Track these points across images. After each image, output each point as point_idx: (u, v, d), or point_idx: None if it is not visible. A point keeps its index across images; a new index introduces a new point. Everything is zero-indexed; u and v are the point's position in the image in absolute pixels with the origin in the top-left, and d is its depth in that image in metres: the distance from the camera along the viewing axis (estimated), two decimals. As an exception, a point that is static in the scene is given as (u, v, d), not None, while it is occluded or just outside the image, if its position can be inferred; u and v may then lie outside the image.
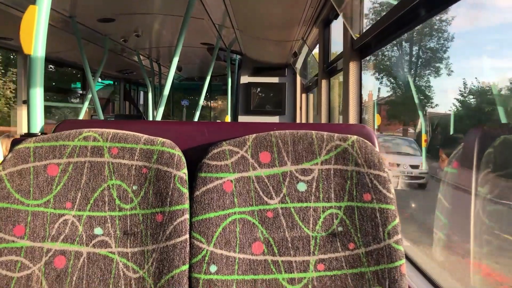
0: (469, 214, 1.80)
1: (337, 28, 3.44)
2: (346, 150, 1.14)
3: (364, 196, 1.12)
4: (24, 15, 1.37)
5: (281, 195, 1.14)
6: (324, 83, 3.61)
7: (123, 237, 1.13)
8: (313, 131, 1.17)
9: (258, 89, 6.24)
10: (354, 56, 2.38)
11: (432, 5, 1.49)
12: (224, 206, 1.13)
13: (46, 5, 1.41)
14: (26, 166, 1.13)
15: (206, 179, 1.14)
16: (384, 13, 1.87)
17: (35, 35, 1.37)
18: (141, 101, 10.91)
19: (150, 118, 7.54)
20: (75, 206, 1.14)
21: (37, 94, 1.41)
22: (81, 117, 4.94)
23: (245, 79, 6.18)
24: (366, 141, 1.16)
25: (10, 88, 11.34)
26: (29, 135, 1.33)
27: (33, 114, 1.40)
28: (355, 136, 1.16)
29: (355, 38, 2.32)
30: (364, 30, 2.32)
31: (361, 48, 2.31)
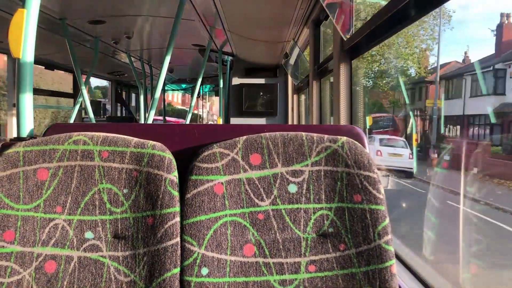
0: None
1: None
2: (336, 152, 1.15)
3: (354, 197, 1.13)
4: (13, 19, 1.36)
5: (272, 196, 1.15)
6: (315, 84, 3.62)
7: (114, 241, 1.13)
8: (303, 133, 1.18)
9: (250, 90, 6.25)
10: (344, 57, 2.39)
11: (421, 5, 1.50)
12: (215, 208, 1.13)
13: (35, 8, 1.40)
14: (15, 171, 1.12)
15: (197, 181, 1.14)
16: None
17: (24, 38, 1.36)
18: (133, 103, 10.86)
19: (142, 120, 7.52)
20: (66, 210, 1.13)
21: (27, 98, 1.40)
22: (72, 119, 4.91)
23: (236, 80, 6.19)
24: (355, 142, 1.16)
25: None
26: (18, 139, 1.32)
27: (22, 118, 1.39)
28: (345, 137, 1.17)
29: (345, 39, 2.33)
30: (354, 31, 2.33)
31: (351, 49, 2.32)
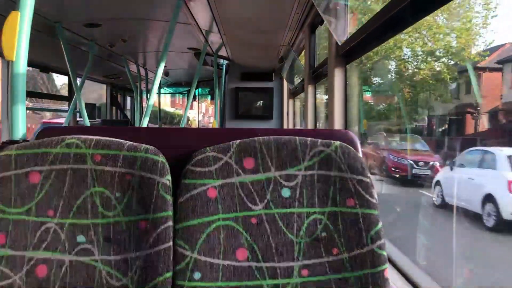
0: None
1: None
2: (329, 156, 1.15)
3: (347, 201, 1.13)
4: (6, 21, 1.36)
5: (265, 201, 1.15)
6: (310, 88, 3.63)
7: (106, 245, 1.12)
8: (297, 137, 1.18)
9: (245, 94, 6.26)
10: (339, 62, 2.40)
11: (416, 10, 1.51)
12: (208, 212, 1.12)
13: (28, 11, 1.40)
14: (7, 174, 1.12)
15: (190, 185, 1.13)
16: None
17: (17, 41, 1.36)
18: (128, 106, 10.84)
19: (137, 124, 7.51)
20: (58, 214, 1.12)
21: (19, 101, 1.39)
22: (66, 122, 4.89)
23: (232, 84, 6.20)
24: (349, 146, 1.17)
25: None
26: (10, 142, 1.32)
27: (15, 121, 1.38)
28: (338, 142, 1.17)
29: (340, 44, 2.34)
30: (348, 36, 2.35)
31: (346, 54, 2.33)
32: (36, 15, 1.44)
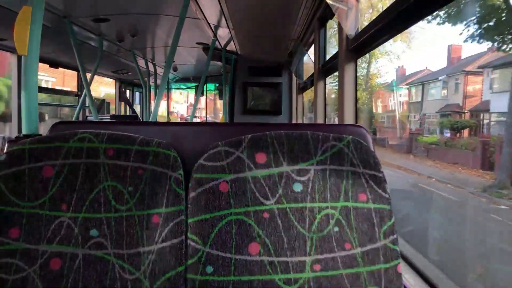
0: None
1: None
2: (341, 150, 1.15)
3: (359, 196, 1.13)
4: (18, 16, 1.36)
5: (277, 195, 1.14)
6: (319, 83, 3.61)
7: (119, 239, 1.13)
8: (309, 132, 1.18)
9: (254, 89, 6.24)
10: (349, 56, 2.38)
11: (427, 4, 1.49)
12: (220, 207, 1.12)
13: (40, 6, 1.40)
14: (21, 168, 1.12)
15: (202, 180, 1.14)
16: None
17: (29, 36, 1.37)
18: (137, 102, 10.87)
19: (146, 119, 7.53)
20: (71, 208, 1.13)
21: (32, 95, 1.40)
22: (75, 117, 4.92)
23: (240, 79, 6.18)
24: (361, 141, 1.16)
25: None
26: (24, 136, 1.32)
27: (27, 115, 1.39)
28: (350, 136, 1.16)
29: (350, 38, 2.32)
30: (359, 30, 2.32)
31: (356, 48, 2.31)
32: (46, 10, 1.44)
